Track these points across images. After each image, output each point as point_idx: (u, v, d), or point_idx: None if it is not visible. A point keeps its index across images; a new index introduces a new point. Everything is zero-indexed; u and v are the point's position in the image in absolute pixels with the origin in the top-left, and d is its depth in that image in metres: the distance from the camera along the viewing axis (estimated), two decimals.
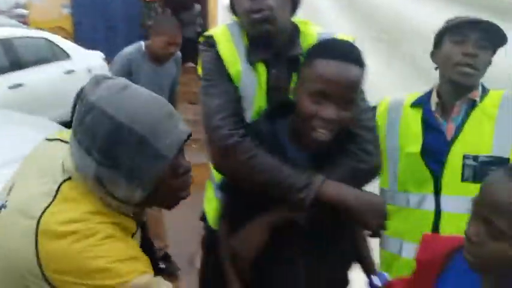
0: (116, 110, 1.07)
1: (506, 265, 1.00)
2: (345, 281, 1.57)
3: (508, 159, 1.63)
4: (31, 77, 6.25)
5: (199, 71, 1.55)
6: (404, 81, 2.24)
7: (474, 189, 1.25)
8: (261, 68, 1.47)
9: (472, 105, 1.71)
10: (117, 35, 12.54)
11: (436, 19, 2.24)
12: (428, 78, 2.25)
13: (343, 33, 1.58)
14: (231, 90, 1.45)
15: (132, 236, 1.22)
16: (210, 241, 1.67)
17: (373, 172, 1.47)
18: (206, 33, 1.53)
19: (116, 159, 1.08)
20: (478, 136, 1.67)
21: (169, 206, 1.27)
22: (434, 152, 1.73)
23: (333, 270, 1.47)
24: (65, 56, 7.24)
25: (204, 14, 13.63)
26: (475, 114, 1.70)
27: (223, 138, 1.39)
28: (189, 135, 1.16)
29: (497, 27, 1.62)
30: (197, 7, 14.19)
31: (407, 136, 1.80)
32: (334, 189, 1.32)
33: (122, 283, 1.06)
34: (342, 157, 1.40)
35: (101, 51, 8.67)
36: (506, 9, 2.16)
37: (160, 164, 1.11)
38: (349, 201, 1.31)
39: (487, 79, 1.72)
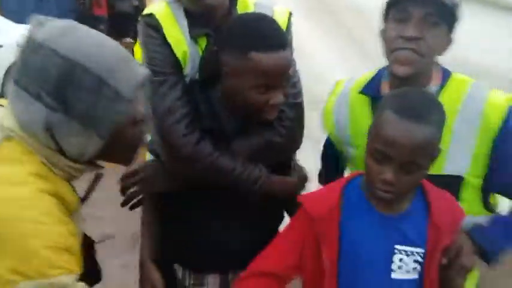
0: (69, 49, 1.02)
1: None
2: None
3: (461, 177, 1.41)
4: None
5: (137, 53, 1.50)
6: (342, 50, 2.28)
7: None
8: (203, 43, 1.44)
9: None
10: (48, 7, 11.95)
11: None
12: (365, 50, 2.31)
13: (280, 5, 1.57)
14: (180, 83, 1.43)
15: (71, 214, 1.15)
16: None
17: (288, 147, 1.55)
18: (147, 12, 1.46)
19: (70, 102, 1.01)
20: None
21: (126, 160, 1.22)
22: None
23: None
24: None
25: None
26: None
27: (178, 146, 1.39)
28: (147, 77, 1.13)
29: (446, 2, 1.34)
30: None
31: (356, 134, 1.55)
32: (275, 181, 1.49)
33: (43, 275, 0.96)
34: (263, 128, 1.46)
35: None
36: None
37: (121, 106, 1.05)
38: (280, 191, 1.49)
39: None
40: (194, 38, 1.45)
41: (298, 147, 1.60)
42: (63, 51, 1.02)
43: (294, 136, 1.54)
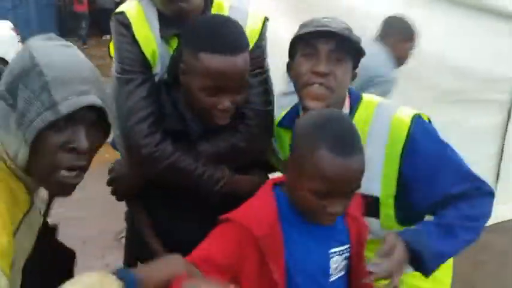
0: (41, 55, 1.05)
1: None
2: None
3: (377, 199, 1.44)
4: None
5: (112, 51, 1.49)
6: None
7: None
8: (174, 42, 1.44)
9: None
10: (27, 2, 11.80)
11: None
12: None
13: (255, 9, 1.54)
14: (148, 82, 1.41)
15: (24, 216, 1.11)
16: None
17: (252, 152, 1.53)
18: (119, 10, 1.44)
19: (16, 97, 1.04)
20: None
21: (46, 184, 1.12)
22: None
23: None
24: None
25: None
26: None
27: (138, 147, 1.38)
28: (93, 107, 1.06)
29: (352, 38, 1.36)
30: None
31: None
32: (237, 180, 1.48)
33: None
34: (228, 133, 1.45)
35: (9, 20, 8.14)
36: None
37: (51, 117, 1.02)
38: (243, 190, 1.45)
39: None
40: (165, 38, 1.44)
41: (263, 152, 1.59)
42: (35, 53, 1.05)
43: (258, 142, 1.53)
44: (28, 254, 1.18)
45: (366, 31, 2.29)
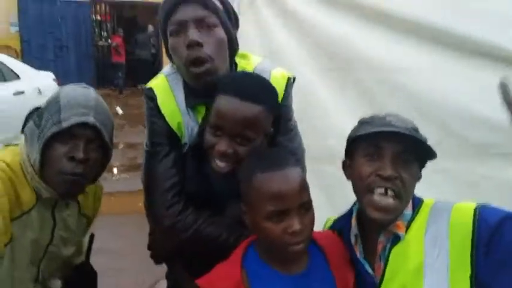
0: (63, 91, 1.44)
1: None
2: None
3: None
4: None
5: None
6: (357, 108, 2.34)
7: None
8: (202, 109, 1.47)
9: (396, 240, 1.30)
10: (68, 54, 12.37)
11: (386, 48, 2.40)
12: (380, 107, 2.39)
13: (280, 68, 1.57)
14: (172, 153, 1.46)
15: (21, 215, 1.37)
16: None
17: None
18: (148, 85, 1.51)
19: (41, 119, 1.40)
20: (404, 283, 1.26)
21: (58, 187, 1.38)
22: None
23: None
24: (14, 76, 7.05)
25: (157, 35, 13.67)
26: (397, 254, 1.29)
27: (160, 218, 1.43)
28: (88, 125, 1.37)
29: (420, 139, 1.26)
30: (150, 28, 14.22)
31: None
32: None
33: None
34: None
35: (51, 70, 8.53)
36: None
37: (53, 129, 1.34)
38: None
39: None
40: (191, 105, 1.47)
41: None
42: (60, 90, 1.45)
43: None
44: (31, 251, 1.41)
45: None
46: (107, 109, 1.49)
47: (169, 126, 1.44)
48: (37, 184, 1.39)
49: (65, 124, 1.34)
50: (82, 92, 1.44)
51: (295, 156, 1.29)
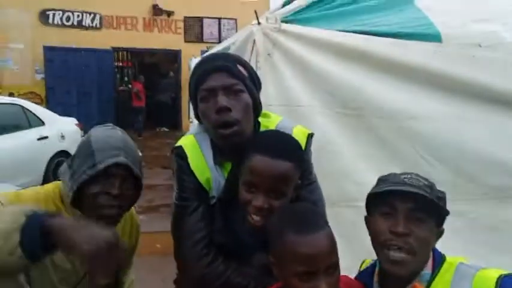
0: (95, 133, 1.58)
1: None
2: None
3: None
4: (4, 144, 6.25)
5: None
6: (371, 152, 2.39)
7: None
8: (228, 165, 1.58)
9: None
10: (90, 99, 12.70)
11: (398, 96, 2.46)
12: (394, 152, 2.44)
13: (300, 125, 1.68)
14: (201, 207, 1.55)
15: None
16: None
17: None
18: (177, 144, 1.61)
19: (74, 161, 1.54)
20: None
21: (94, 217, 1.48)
22: None
23: None
24: (39, 122, 7.28)
25: (177, 80, 14.02)
26: None
27: (192, 269, 1.51)
28: (120, 164, 1.51)
29: (432, 198, 1.30)
30: (171, 74, 14.61)
31: None
32: None
33: None
34: None
35: (74, 116, 8.79)
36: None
37: (90, 172, 1.48)
38: None
39: None
40: (219, 163, 1.58)
41: None
42: (91, 133, 1.59)
43: None
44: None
45: None
46: (134, 146, 1.64)
47: (199, 182, 1.54)
48: (75, 215, 1.52)
49: (100, 166, 1.48)
50: (110, 134, 1.59)
51: (319, 213, 1.37)
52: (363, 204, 2.36)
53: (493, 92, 2.51)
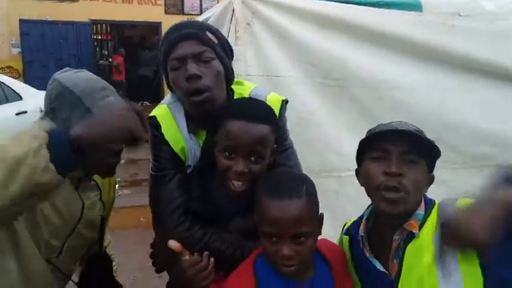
0: (66, 80, 1.47)
1: None
2: None
3: None
4: None
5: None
6: (352, 122, 2.39)
7: None
8: (203, 134, 1.58)
9: (410, 238, 1.35)
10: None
11: (380, 66, 2.45)
12: (376, 121, 2.43)
13: (274, 92, 1.68)
14: (177, 176, 1.55)
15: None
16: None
17: None
18: (151, 114, 1.60)
19: (55, 112, 1.44)
20: (420, 278, 1.31)
21: (98, 169, 1.48)
22: None
23: None
24: (16, 97, 7.13)
25: (158, 54, 13.72)
26: (412, 250, 1.34)
27: (171, 236, 1.49)
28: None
29: (425, 137, 1.33)
30: (146, 51, 14.39)
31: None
32: None
33: None
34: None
35: None
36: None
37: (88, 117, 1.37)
38: None
39: None
40: (193, 130, 1.57)
41: None
42: (63, 81, 1.47)
43: None
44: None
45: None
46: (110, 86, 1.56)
47: (174, 152, 1.54)
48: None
49: (95, 111, 1.41)
50: (86, 77, 1.50)
51: (303, 182, 1.35)
52: (345, 174, 2.42)
53: (474, 62, 2.53)
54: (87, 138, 1.10)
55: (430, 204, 1.40)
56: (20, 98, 7.17)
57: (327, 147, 2.39)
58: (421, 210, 1.36)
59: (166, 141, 1.54)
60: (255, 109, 1.45)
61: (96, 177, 1.62)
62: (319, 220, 1.35)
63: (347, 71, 2.34)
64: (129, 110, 1.17)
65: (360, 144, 1.42)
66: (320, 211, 1.44)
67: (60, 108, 1.44)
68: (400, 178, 1.29)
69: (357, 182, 1.49)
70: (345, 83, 2.35)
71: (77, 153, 1.09)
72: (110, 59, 13.73)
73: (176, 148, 1.54)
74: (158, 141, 1.55)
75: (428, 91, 2.46)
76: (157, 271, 1.67)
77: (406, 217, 1.34)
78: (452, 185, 2.52)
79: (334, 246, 1.51)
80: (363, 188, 1.44)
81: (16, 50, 12.17)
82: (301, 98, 2.30)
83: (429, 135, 1.38)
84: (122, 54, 13.16)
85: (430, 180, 1.39)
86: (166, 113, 1.58)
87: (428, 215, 1.36)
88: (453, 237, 1.13)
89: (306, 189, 1.31)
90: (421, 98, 2.47)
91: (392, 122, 1.37)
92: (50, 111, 1.46)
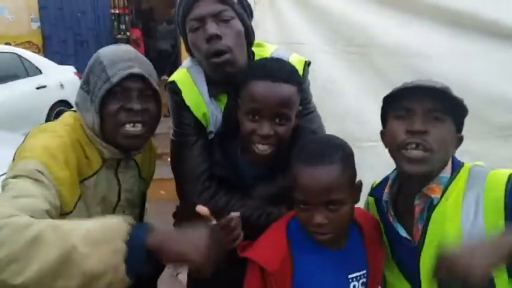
0: (102, 51, 1.47)
1: None
2: None
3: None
4: (2, 93, 6.19)
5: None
6: (374, 91, 2.33)
7: None
8: (224, 98, 1.53)
9: (431, 204, 1.29)
10: (88, 48, 12.47)
11: (404, 33, 2.37)
12: None
13: (295, 54, 1.62)
14: (199, 142, 1.51)
15: (92, 175, 1.44)
16: None
17: None
18: (170, 79, 1.57)
19: (89, 84, 1.43)
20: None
21: (118, 140, 1.43)
22: (404, 263, 1.38)
23: None
24: (37, 71, 7.18)
25: (175, 27, 13.66)
26: (436, 218, 1.28)
27: (197, 202, 1.44)
28: (139, 75, 1.40)
29: (451, 93, 1.25)
30: (164, 24, 14.28)
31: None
32: None
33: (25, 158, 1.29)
34: (281, 174, 1.48)
35: (72, 65, 8.65)
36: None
37: (105, 86, 1.38)
38: None
39: None
40: (214, 95, 1.53)
41: None
42: (99, 52, 1.48)
43: None
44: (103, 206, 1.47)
45: None
46: (147, 60, 1.52)
47: (195, 117, 1.50)
48: (99, 145, 1.46)
49: (114, 79, 1.38)
50: (120, 48, 1.49)
51: (337, 147, 1.30)
52: (365, 144, 2.37)
53: (500, 27, 2.43)
54: (160, 253, 1.09)
55: (457, 166, 1.32)
56: (40, 72, 7.21)
57: (347, 117, 2.35)
58: (445, 174, 1.30)
59: (188, 107, 1.50)
60: (280, 69, 1.39)
61: (135, 155, 1.58)
62: (356, 188, 1.31)
63: (369, 38, 2.27)
64: (216, 242, 1.14)
65: (383, 102, 1.35)
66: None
67: (91, 79, 1.43)
68: (425, 136, 1.22)
69: (379, 152, 1.45)
70: (366, 50, 2.28)
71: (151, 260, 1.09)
72: (128, 33, 13.70)
73: (198, 113, 1.50)
74: (179, 106, 1.51)
75: (454, 59, 2.38)
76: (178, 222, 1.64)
77: (430, 178, 1.28)
78: (477, 156, 2.46)
79: (369, 215, 1.47)
80: (384, 158, 1.38)
81: (35, 25, 12.20)
82: (322, 66, 2.25)
83: None
84: (139, 28, 13.10)
85: (459, 141, 1.32)
86: (186, 78, 1.54)
87: (454, 177, 1.29)
88: (449, 267, 1.03)
89: (341, 155, 1.26)
90: (446, 66, 2.38)
91: (417, 80, 1.29)
92: (85, 81, 1.45)
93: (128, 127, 1.42)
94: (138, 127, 1.43)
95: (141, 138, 1.46)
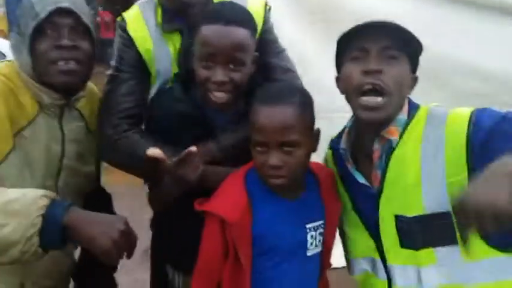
0: None
1: None
2: None
3: (449, 214, 1.15)
4: None
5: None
6: None
7: (425, 255, 1.18)
8: (176, 38, 1.48)
9: (390, 149, 1.28)
10: None
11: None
12: None
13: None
14: (131, 81, 1.49)
15: (29, 124, 1.40)
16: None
17: None
18: (120, 16, 1.54)
19: (19, 26, 1.42)
20: (403, 191, 1.25)
21: (55, 80, 1.40)
22: (366, 213, 1.36)
23: None
24: (1, 56, 6.95)
25: None
26: (394, 161, 1.26)
27: (107, 135, 1.47)
28: (69, 10, 1.38)
29: (404, 29, 1.21)
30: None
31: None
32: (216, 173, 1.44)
33: None
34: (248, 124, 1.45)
35: None
36: None
37: (32, 23, 1.37)
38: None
39: None
40: (167, 34, 1.49)
41: None
42: None
43: None
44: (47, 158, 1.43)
45: None
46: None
47: (138, 55, 1.48)
48: (35, 89, 1.42)
49: (42, 14, 1.37)
50: None
51: (297, 90, 1.31)
52: (335, 115, 2.33)
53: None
54: (73, 232, 1.13)
55: (413, 108, 1.30)
56: (4, 56, 6.98)
57: (315, 88, 2.30)
58: (402, 115, 1.27)
59: (132, 43, 1.47)
60: (233, 12, 1.36)
61: (80, 105, 1.53)
62: (314, 134, 1.31)
63: (333, 4, 2.22)
64: (125, 235, 1.18)
65: (337, 45, 1.33)
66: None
67: (21, 19, 1.42)
68: (380, 75, 1.20)
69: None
70: (331, 17, 2.23)
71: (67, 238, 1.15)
72: (98, 17, 13.37)
73: (141, 48, 1.47)
74: (123, 42, 1.50)
75: (422, 25, 2.35)
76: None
77: (387, 121, 1.26)
78: None
79: (325, 168, 1.49)
80: None
81: (1, 11, 11.81)
82: (288, 37, 2.20)
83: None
84: (110, 10, 12.81)
85: (414, 81, 1.30)
86: (135, 13, 1.52)
87: (412, 118, 1.27)
88: (471, 216, 0.91)
89: (299, 99, 1.26)
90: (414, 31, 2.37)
91: (371, 20, 1.26)
92: (16, 25, 1.45)
93: (60, 64, 1.39)
94: (71, 63, 1.39)
95: (75, 75, 1.43)
